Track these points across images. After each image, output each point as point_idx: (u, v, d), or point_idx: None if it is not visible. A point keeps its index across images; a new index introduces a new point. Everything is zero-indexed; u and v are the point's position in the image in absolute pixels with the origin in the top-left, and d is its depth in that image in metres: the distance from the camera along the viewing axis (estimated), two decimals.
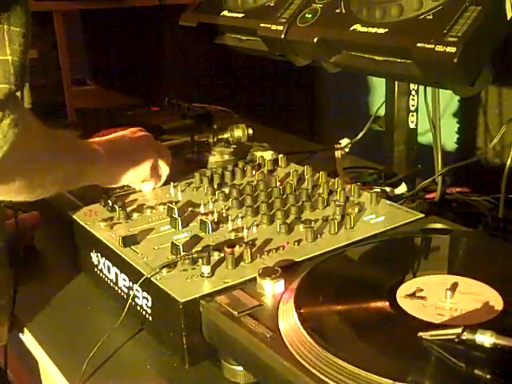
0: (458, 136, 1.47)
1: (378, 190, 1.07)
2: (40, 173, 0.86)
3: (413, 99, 1.15)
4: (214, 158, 1.21)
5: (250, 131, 1.23)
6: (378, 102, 1.34)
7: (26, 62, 0.74)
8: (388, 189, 1.09)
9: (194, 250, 0.87)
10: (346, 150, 1.33)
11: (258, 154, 1.21)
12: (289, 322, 0.70)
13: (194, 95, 1.71)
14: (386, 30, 0.89)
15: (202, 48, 1.63)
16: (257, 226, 0.93)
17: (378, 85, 1.61)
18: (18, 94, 0.75)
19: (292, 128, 1.67)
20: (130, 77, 2.03)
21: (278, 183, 1.07)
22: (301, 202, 0.99)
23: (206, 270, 0.81)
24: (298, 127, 1.76)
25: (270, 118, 1.74)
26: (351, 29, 0.94)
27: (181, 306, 0.76)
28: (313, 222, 0.93)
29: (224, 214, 0.98)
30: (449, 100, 1.43)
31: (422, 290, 0.72)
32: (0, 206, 0.94)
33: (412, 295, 0.71)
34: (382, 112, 1.25)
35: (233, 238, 0.91)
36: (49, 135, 0.90)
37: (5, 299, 0.92)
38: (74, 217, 1.02)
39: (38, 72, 1.77)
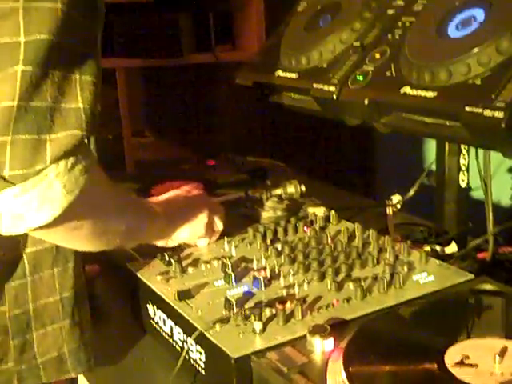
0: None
1: (428, 248, 1.08)
2: (104, 221, 0.90)
3: (464, 158, 1.16)
4: (267, 214, 1.24)
5: (303, 187, 1.26)
6: (430, 156, 1.35)
7: (96, 110, 0.79)
8: (438, 247, 1.10)
9: (246, 306, 0.90)
10: (398, 206, 1.34)
11: (311, 210, 1.23)
12: (337, 380, 0.71)
13: (250, 150, 1.75)
14: (435, 93, 0.91)
15: (258, 104, 1.68)
16: (308, 282, 0.95)
17: (431, 140, 1.62)
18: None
19: (345, 182, 1.70)
20: (187, 130, 2.09)
21: (330, 240, 1.09)
22: (351, 260, 1.01)
23: (258, 326, 0.84)
24: (350, 181, 1.78)
25: (324, 172, 1.77)
26: (401, 91, 0.96)
27: (233, 362, 0.78)
28: (362, 280, 0.95)
29: (276, 270, 1.00)
30: (502, 156, 1.44)
31: (468, 358, 0.72)
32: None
33: (460, 363, 0.71)
34: (434, 167, 1.26)
35: (284, 294, 0.93)
36: (114, 188, 0.95)
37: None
38: (133, 269, 1.06)
39: (100, 125, 1.85)
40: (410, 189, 1.33)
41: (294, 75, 1.19)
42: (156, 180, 1.48)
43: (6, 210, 0.74)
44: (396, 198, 1.34)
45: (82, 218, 0.84)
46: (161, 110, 2.22)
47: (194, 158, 1.80)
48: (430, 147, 1.29)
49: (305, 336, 0.80)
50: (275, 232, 1.14)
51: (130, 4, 1.73)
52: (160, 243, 1.09)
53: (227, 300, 0.90)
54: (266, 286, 0.96)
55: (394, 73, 1.00)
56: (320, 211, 1.22)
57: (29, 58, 0.73)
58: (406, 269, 0.97)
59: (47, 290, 0.92)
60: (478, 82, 0.87)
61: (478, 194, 1.28)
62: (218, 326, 0.85)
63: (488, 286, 0.90)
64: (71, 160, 0.76)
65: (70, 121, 0.75)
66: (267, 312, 0.88)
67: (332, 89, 1.08)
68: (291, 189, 1.26)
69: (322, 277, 0.97)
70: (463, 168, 1.17)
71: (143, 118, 2.28)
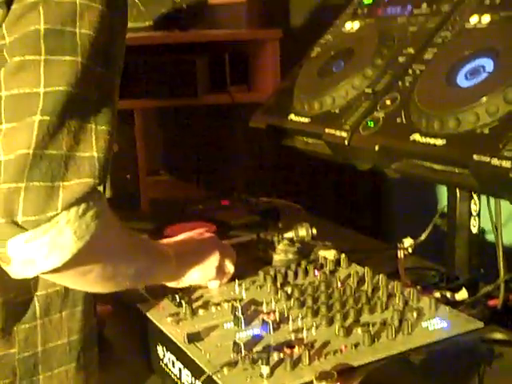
0: None
1: (438, 294, 1.08)
2: (114, 266, 0.91)
3: (475, 204, 1.16)
4: (279, 257, 1.24)
5: (314, 231, 1.27)
6: (443, 199, 1.35)
7: (109, 158, 0.81)
8: (448, 294, 1.10)
9: (254, 350, 0.90)
10: (409, 249, 1.34)
11: (321, 253, 1.24)
12: None
13: (264, 190, 1.77)
14: (444, 141, 0.92)
15: (272, 145, 1.70)
16: (316, 327, 0.95)
17: (439, 187, 1.62)
18: (101, 188, 0.82)
19: (357, 224, 1.70)
20: (201, 169, 2.12)
21: (339, 284, 1.09)
22: (360, 305, 1.01)
23: (266, 370, 0.84)
24: (363, 223, 1.79)
25: (337, 213, 1.78)
26: (411, 138, 0.98)
27: None
28: (371, 326, 0.95)
29: (285, 314, 1.00)
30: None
31: None
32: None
33: None
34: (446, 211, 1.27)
35: (293, 338, 0.93)
36: (125, 231, 0.97)
37: None
38: (143, 310, 1.07)
39: (117, 165, 1.87)
40: (422, 232, 1.33)
41: (306, 119, 1.20)
42: (170, 220, 1.50)
43: (17, 254, 0.76)
44: (408, 242, 1.34)
45: (92, 263, 0.85)
46: (176, 150, 2.24)
47: (208, 197, 1.82)
48: (443, 190, 1.29)
49: (312, 382, 0.80)
50: (286, 275, 1.15)
51: (147, 46, 1.77)
52: (170, 284, 1.10)
53: (236, 343, 0.91)
54: (274, 329, 0.96)
55: (404, 120, 1.01)
56: (330, 254, 1.22)
57: (47, 109, 0.76)
58: (415, 315, 0.97)
59: (56, 333, 0.93)
60: (486, 131, 0.88)
61: (489, 239, 1.28)
62: (225, 369, 0.86)
63: (498, 335, 0.90)
64: (82, 207, 0.77)
65: (83, 169, 0.77)
66: (275, 356, 0.88)
67: (344, 134, 1.09)
68: (302, 232, 1.27)
69: (331, 321, 0.97)
70: (474, 213, 1.17)
71: (159, 158, 2.31)
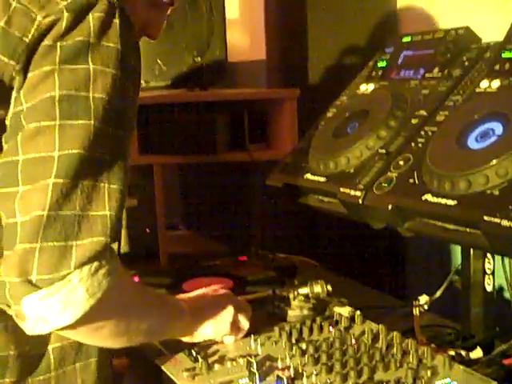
0: None
1: (452, 352, 1.09)
2: (126, 321, 0.93)
3: (489, 262, 1.18)
4: (294, 313, 1.26)
5: (329, 287, 1.28)
6: (458, 256, 1.36)
7: (121, 215, 0.84)
8: (463, 352, 1.10)
9: None
10: (425, 307, 1.35)
11: (336, 309, 1.25)
12: None
13: (281, 246, 1.79)
14: (455, 201, 0.95)
15: (288, 203, 1.74)
16: None
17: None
18: (114, 245, 0.85)
19: (373, 280, 1.71)
20: (219, 224, 2.14)
21: (353, 341, 1.10)
22: (374, 362, 1.02)
23: None
24: (378, 280, 1.80)
25: (353, 269, 1.79)
26: (423, 198, 1.00)
27: None
28: None
29: (300, 370, 1.02)
30: None
31: None
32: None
33: None
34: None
35: None
36: (138, 289, 0.99)
37: None
38: (159, 364, 1.09)
39: (136, 219, 1.91)
40: (438, 289, 1.34)
41: (322, 179, 1.23)
42: (188, 275, 1.52)
43: (31, 312, 0.78)
44: (423, 299, 1.35)
45: (104, 319, 0.87)
46: (195, 205, 2.28)
47: (226, 252, 1.84)
48: (458, 248, 1.30)
49: None
50: (301, 331, 1.16)
51: (168, 104, 1.82)
52: (185, 339, 1.12)
53: None
54: None
55: (416, 180, 1.04)
56: (345, 311, 1.23)
57: (61, 172, 0.79)
58: (429, 373, 0.98)
59: None
60: (496, 192, 0.90)
61: (505, 297, 1.29)
62: None
63: None
64: (95, 265, 0.80)
65: (96, 228, 0.81)
66: None
67: (358, 193, 1.12)
68: (318, 288, 1.29)
69: (345, 379, 0.98)
70: (488, 272, 1.18)
71: (178, 213, 2.34)
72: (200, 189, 2.23)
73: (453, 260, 1.67)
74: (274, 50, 2.28)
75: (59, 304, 0.79)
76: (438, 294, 1.33)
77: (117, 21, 0.87)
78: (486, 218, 0.88)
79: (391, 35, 1.89)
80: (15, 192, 0.80)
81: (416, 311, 1.33)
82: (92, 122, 0.82)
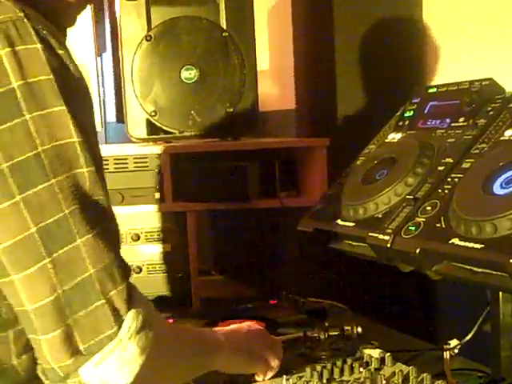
0: None
1: None
2: (177, 361, 0.97)
3: None
4: (325, 354, 1.29)
5: (359, 329, 1.32)
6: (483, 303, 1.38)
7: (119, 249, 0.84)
8: None
9: None
10: (456, 350, 1.37)
11: (367, 351, 1.28)
12: None
13: (310, 291, 1.82)
14: (482, 245, 0.98)
15: (319, 248, 1.78)
16: None
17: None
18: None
19: (403, 324, 1.73)
20: (251, 269, 2.19)
21: (384, 382, 1.13)
22: None
23: None
24: (410, 323, 1.82)
25: (383, 314, 1.81)
26: (450, 242, 1.04)
27: None
28: None
29: None
30: None
31: None
32: None
33: None
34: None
35: None
36: (177, 329, 1.02)
37: None
38: None
39: (170, 264, 1.95)
40: (468, 333, 1.36)
41: (351, 224, 1.28)
42: (220, 318, 1.56)
43: (91, 378, 0.79)
44: (454, 343, 1.37)
45: (159, 367, 0.88)
46: (227, 250, 2.33)
47: (257, 296, 1.88)
48: (486, 292, 1.33)
49: None
50: (332, 372, 1.19)
51: (202, 153, 1.89)
52: (221, 370, 1.14)
53: None
54: None
55: (443, 225, 1.08)
56: (376, 353, 1.26)
57: (51, 247, 0.76)
58: None
59: None
60: None
61: None
62: None
63: None
64: (132, 314, 0.81)
65: (114, 277, 0.80)
66: None
67: (386, 238, 1.16)
68: (348, 330, 1.32)
69: None
70: None
71: (210, 258, 2.39)
72: (232, 235, 2.28)
73: (481, 304, 1.68)
74: (304, 100, 2.35)
75: (114, 365, 0.79)
76: (469, 337, 1.35)
77: (38, 45, 0.76)
78: None
79: (417, 86, 1.96)
80: (10, 281, 0.77)
81: (447, 355, 1.35)
82: (52, 180, 0.76)
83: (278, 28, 2.65)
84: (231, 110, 1.96)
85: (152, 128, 1.96)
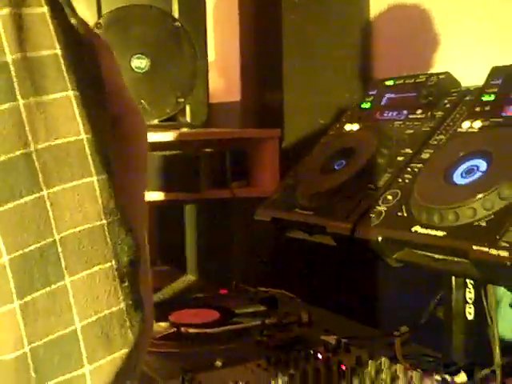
0: None
1: (438, 377, 1.14)
2: None
3: (469, 292, 1.24)
4: (281, 342, 1.30)
5: (314, 317, 1.33)
6: (432, 290, 1.41)
7: None
8: (448, 377, 1.15)
9: None
10: (405, 337, 1.40)
11: (323, 338, 1.30)
12: None
13: (260, 280, 1.83)
14: (444, 232, 1.01)
15: (267, 240, 1.80)
16: None
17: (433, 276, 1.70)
18: None
19: (350, 312, 1.76)
20: (199, 259, 2.18)
21: (342, 367, 1.15)
22: None
23: None
24: (358, 311, 1.85)
25: (330, 301, 1.84)
26: (412, 230, 1.06)
27: None
28: None
29: None
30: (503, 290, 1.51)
31: None
32: None
33: None
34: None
35: None
36: None
37: None
38: None
39: None
40: (419, 320, 1.39)
41: (310, 213, 1.29)
42: (173, 307, 1.55)
43: None
44: (404, 329, 1.40)
45: None
46: (174, 242, 2.32)
47: (207, 286, 1.88)
48: (434, 280, 1.36)
49: None
50: (289, 358, 1.20)
51: (152, 143, 1.86)
52: None
53: None
54: None
55: (405, 213, 1.10)
56: (332, 339, 1.28)
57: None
58: None
59: None
60: (484, 223, 0.97)
61: (483, 326, 1.35)
62: None
63: None
64: None
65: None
66: None
67: (347, 226, 1.18)
68: (304, 318, 1.33)
69: None
70: (469, 301, 1.24)
71: (155, 249, 2.37)
72: (182, 227, 2.28)
73: (430, 292, 1.73)
74: (249, 93, 2.36)
75: None
76: (420, 323, 1.39)
77: (45, 9, 0.58)
78: (474, 247, 0.94)
79: (366, 78, 2.00)
80: None
81: (397, 341, 1.38)
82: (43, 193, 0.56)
83: (224, 18, 2.65)
84: (182, 100, 1.95)
85: None
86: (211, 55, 2.64)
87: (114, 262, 0.56)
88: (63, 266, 0.55)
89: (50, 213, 0.55)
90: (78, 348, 0.54)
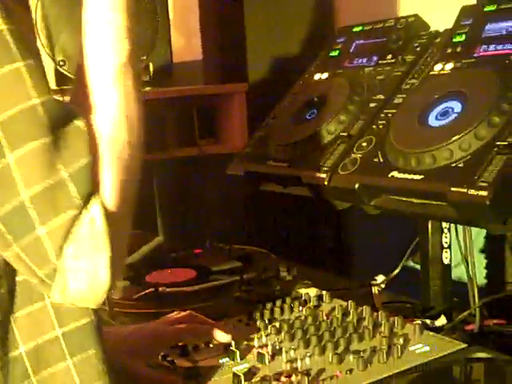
0: (486, 271, 1.55)
1: (418, 321, 1.14)
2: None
3: (445, 236, 1.24)
4: (261, 296, 1.29)
5: (294, 271, 1.32)
6: (405, 235, 1.41)
7: None
8: (428, 321, 1.16)
9: (253, 380, 0.94)
10: (382, 286, 1.41)
11: (303, 291, 1.29)
12: None
13: (234, 237, 1.82)
14: (422, 176, 1.00)
15: (237, 195, 1.78)
16: (309, 356, 1.00)
17: (408, 223, 1.71)
18: None
19: (322, 265, 1.76)
20: (172, 220, 2.16)
21: (325, 317, 1.15)
22: (348, 334, 1.06)
23: None
24: (331, 266, 1.86)
25: (305, 255, 1.84)
26: (389, 175, 1.05)
27: None
28: (361, 353, 1.00)
29: (277, 347, 1.05)
30: (475, 236, 1.52)
31: None
32: None
33: None
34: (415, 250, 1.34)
35: (288, 368, 0.98)
36: None
37: None
38: None
39: None
40: (394, 268, 1.39)
41: (284, 164, 1.27)
42: (150, 267, 1.53)
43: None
44: (380, 278, 1.41)
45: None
46: (142, 204, 2.28)
47: (181, 246, 1.85)
48: (406, 227, 1.36)
49: None
50: (272, 312, 1.19)
51: None
52: None
53: (235, 375, 0.95)
54: (269, 361, 1.00)
55: (381, 159, 1.09)
56: (312, 291, 1.27)
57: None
58: (401, 341, 1.03)
59: None
60: (461, 164, 0.96)
61: (459, 271, 1.36)
62: None
63: (482, 354, 0.96)
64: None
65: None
66: None
67: (323, 175, 1.16)
68: (283, 272, 1.32)
69: (323, 351, 1.01)
70: (445, 245, 1.24)
71: None
72: (151, 188, 2.24)
73: (401, 240, 1.73)
74: (211, 50, 2.31)
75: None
76: (396, 271, 1.39)
77: None
78: (453, 188, 0.94)
79: (330, 28, 1.97)
80: None
81: (375, 290, 1.38)
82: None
83: None
84: (144, 57, 1.90)
85: (61, 78, 1.87)
86: (170, 13, 2.59)
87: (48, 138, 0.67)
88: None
89: None
90: (29, 214, 0.66)
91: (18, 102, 0.68)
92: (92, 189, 0.70)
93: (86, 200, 0.69)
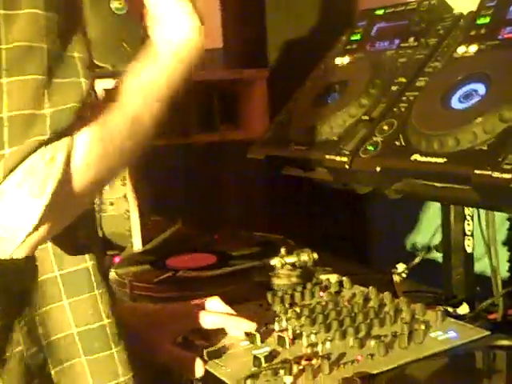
0: (509, 264, 1.53)
1: (441, 309, 1.13)
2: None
3: (468, 224, 1.22)
4: (282, 281, 1.28)
5: (315, 255, 1.31)
6: (428, 228, 1.40)
7: None
8: (450, 309, 1.14)
9: (274, 362, 0.94)
10: (403, 275, 1.39)
11: (324, 276, 1.28)
12: None
13: (254, 222, 1.81)
14: (445, 159, 0.98)
15: (261, 182, 1.76)
16: (330, 341, 0.99)
17: (429, 211, 1.69)
18: None
19: (344, 253, 1.75)
20: (192, 206, 2.16)
21: (346, 302, 1.14)
22: (369, 319, 1.05)
23: (289, 380, 0.88)
24: (350, 253, 1.84)
25: (324, 243, 1.82)
26: (411, 159, 1.04)
27: None
28: (382, 337, 0.99)
29: (298, 331, 1.04)
30: (500, 225, 1.50)
31: None
32: None
33: None
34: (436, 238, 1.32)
35: (309, 352, 0.97)
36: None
37: None
38: None
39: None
40: (416, 257, 1.38)
41: (305, 148, 1.26)
42: (170, 252, 1.53)
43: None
44: (401, 267, 1.39)
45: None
46: (165, 189, 2.28)
47: (201, 233, 1.85)
48: (430, 218, 1.35)
49: None
50: (292, 297, 1.18)
51: None
52: None
53: (256, 357, 0.94)
54: (289, 345, 1.00)
55: (403, 142, 1.08)
56: (333, 277, 1.27)
57: None
58: (423, 327, 1.01)
59: None
60: (485, 147, 0.94)
61: (482, 260, 1.34)
62: (249, 381, 0.89)
63: (505, 342, 0.95)
64: None
65: None
66: (295, 368, 0.91)
67: (344, 159, 1.15)
68: (304, 257, 1.31)
69: (344, 335, 1.01)
70: (468, 233, 1.22)
71: (147, 199, 2.34)
72: (169, 176, 2.24)
73: (422, 229, 1.71)
74: (232, 37, 2.30)
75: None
76: (417, 260, 1.37)
77: None
78: (476, 171, 0.92)
79: (351, 11, 1.94)
80: None
81: (396, 278, 1.37)
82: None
83: None
84: None
85: None
86: None
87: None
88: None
89: None
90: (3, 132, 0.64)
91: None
92: (68, 132, 0.67)
93: (56, 138, 0.66)
